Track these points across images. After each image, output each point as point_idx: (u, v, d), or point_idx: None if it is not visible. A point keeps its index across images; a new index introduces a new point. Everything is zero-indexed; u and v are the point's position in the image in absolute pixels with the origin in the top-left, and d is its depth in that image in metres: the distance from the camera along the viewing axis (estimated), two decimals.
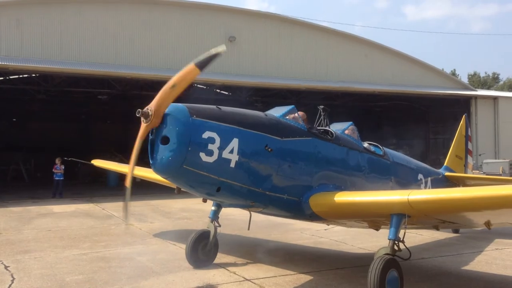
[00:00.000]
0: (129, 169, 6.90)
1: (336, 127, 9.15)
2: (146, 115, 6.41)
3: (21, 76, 25.52)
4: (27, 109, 33.49)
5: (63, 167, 22.18)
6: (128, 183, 6.79)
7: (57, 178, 22.00)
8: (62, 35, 24.58)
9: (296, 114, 8.14)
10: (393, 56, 34.62)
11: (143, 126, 6.52)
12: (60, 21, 24.65)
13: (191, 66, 6.35)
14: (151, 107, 6.46)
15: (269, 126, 7.57)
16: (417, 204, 6.71)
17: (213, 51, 6.32)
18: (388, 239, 6.99)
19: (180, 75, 6.47)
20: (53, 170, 22.22)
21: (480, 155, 31.24)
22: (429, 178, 11.44)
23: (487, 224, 7.33)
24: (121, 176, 25.23)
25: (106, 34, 25.61)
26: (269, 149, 7.34)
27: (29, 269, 8.75)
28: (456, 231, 12.61)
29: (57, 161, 22.19)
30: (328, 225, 10.41)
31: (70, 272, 8.48)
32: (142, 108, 6.50)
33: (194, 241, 8.81)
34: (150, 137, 6.74)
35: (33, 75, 25.05)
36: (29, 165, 33.80)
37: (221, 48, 6.23)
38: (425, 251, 10.50)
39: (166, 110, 6.61)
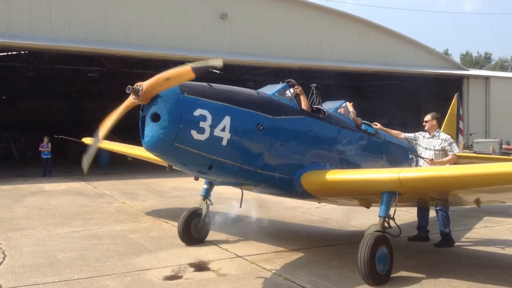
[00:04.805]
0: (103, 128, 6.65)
1: (329, 106, 9.15)
2: (136, 92, 6.32)
3: (9, 53, 25.10)
4: (16, 87, 33.05)
5: (50, 146, 22.04)
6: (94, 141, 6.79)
7: (44, 157, 21.91)
8: (51, 11, 24.06)
9: (289, 91, 8.15)
10: (386, 35, 34.36)
11: (131, 99, 6.41)
12: None
13: (187, 67, 6.24)
14: (142, 85, 6.35)
15: (261, 104, 7.53)
16: (408, 181, 6.74)
17: (210, 62, 6.29)
18: (379, 216, 7.03)
19: (175, 71, 6.32)
20: (40, 148, 22.11)
21: (471, 134, 31.42)
22: None
23: (477, 202, 7.39)
24: (113, 155, 25.25)
25: (95, 10, 25.07)
26: (261, 127, 7.32)
27: (21, 246, 8.75)
28: None
29: (45, 139, 22.04)
30: (319, 203, 10.49)
31: (62, 249, 8.50)
32: (133, 85, 6.40)
33: (186, 219, 8.84)
34: (141, 114, 6.68)
35: (22, 52, 24.65)
36: (19, 143, 33.58)
37: (218, 62, 6.23)
38: (415, 229, 10.60)
39: None
